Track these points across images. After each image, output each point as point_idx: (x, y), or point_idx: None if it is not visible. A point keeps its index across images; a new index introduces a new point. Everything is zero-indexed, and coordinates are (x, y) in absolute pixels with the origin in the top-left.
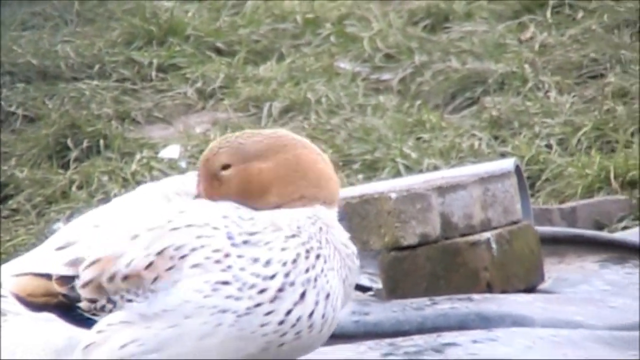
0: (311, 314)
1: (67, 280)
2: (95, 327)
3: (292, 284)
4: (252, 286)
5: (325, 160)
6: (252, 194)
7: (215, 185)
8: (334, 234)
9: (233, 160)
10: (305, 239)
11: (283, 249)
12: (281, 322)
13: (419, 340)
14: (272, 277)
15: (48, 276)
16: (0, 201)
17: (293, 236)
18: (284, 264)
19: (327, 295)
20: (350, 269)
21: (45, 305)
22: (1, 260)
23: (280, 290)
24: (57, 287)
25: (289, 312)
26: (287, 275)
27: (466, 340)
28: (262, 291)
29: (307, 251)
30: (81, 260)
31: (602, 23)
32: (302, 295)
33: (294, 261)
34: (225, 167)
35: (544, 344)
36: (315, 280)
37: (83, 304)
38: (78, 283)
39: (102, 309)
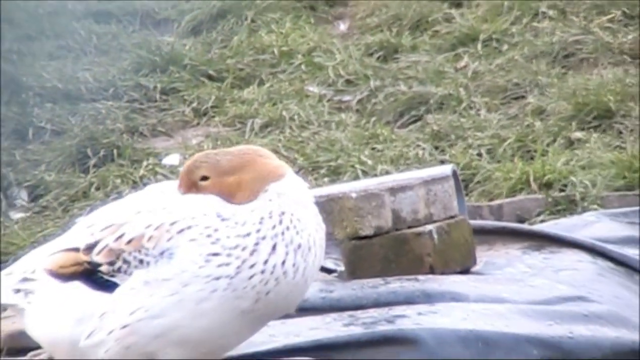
0: (283, 263)
1: (89, 250)
2: (108, 298)
3: (264, 238)
4: (236, 247)
5: (274, 157)
6: (225, 196)
7: (193, 190)
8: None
9: (210, 173)
10: (267, 211)
11: (252, 211)
12: (263, 272)
13: (374, 313)
14: (248, 234)
15: (76, 249)
16: (33, 200)
17: (261, 211)
18: (254, 223)
19: (298, 246)
20: (318, 226)
21: (74, 274)
22: (34, 247)
23: (256, 244)
24: (82, 257)
25: (266, 262)
26: (258, 231)
27: (412, 313)
28: (243, 249)
29: (270, 217)
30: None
31: (522, 54)
32: (274, 247)
33: (261, 221)
34: (204, 178)
35: (476, 316)
36: (283, 234)
37: (103, 268)
38: (96, 250)
39: (119, 270)
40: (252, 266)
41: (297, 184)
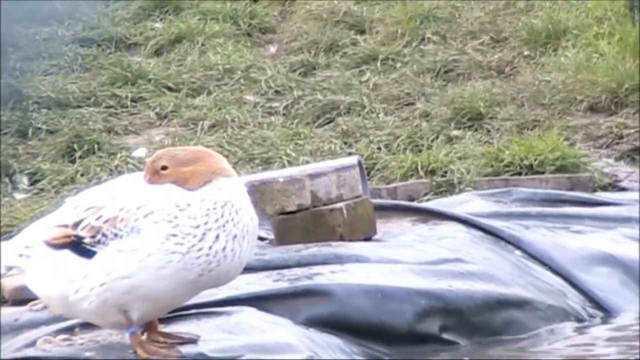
0: (224, 249)
1: (75, 226)
2: (90, 262)
3: (210, 229)
4: (189, 234)
5: (221, 158)
6: (179, 184)
7: (156, 178)
8: (236, 197)
9: (169, 164)
10: (213, 203)
11: (202, 207)
12: (207, 255)
13: (297, 271)
14: (198, 226)
15: (65, 225)
16: (32, 184)
17: (208, 202)
18: (203, 216)
19: (235, 236)
20: (251, 218)
21: (64, 244)
22: (33, 221)
23: (204, 234)
24: (70, 231)
25: (210, 248)
26: (206, 223)
27: (327, 271)
28: (194, 236)
29: (214, 207)
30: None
31: (412, 70)
32: (217, 237)
33: (208, 213)
34: (164, 167)
35: (376, 273)
36: (224, 226)
37: (86, 240)
38: (80, 226)
39: (99, 242)
40: (199, 249)
41: (238, 183)
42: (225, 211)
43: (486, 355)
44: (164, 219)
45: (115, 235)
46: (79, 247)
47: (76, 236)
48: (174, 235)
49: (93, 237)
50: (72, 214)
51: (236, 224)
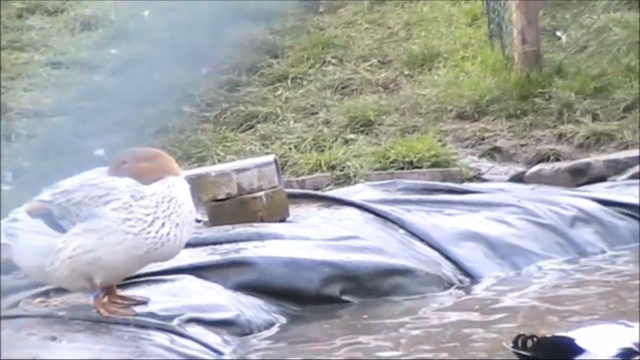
0: (167, 234)
1: (51, 203)
2: (61, 238)
3: (157, 218)
4: (140, 220)
5: (171, 159)
6: (136, 177)
7: (117, 171)
8: (180, 193)
9: (129, 161)
10: (161, 197)
11: (153, 199)
12: (154, 237)
13: (227, 246)
14: (148, 215)
15: (43, 200)
16: (15, 178)
17: (157, 195)
18: (153, 207)
19: (177, 225)
20: (190, 211)
21: (39, 213)
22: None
23: (152, 221)
24: (47, 205)
25: (157, 232)
26: (155, 213)
27: (250, 246)
28: (144, 222)
29: (162, 201)
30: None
31: (316, 86)
32: (163, 224)
33: (157, 205)
34: (124, 163)
35: (290, 248)
36: (169, 216)
37: (57, 214)
38: (54, 203)
39: (65, 218)
40: (148, 232)
41: (183, 181)
42: (171, 204)
43: (376, 310)
44: (121, 206)
45: (81, 217)
46: (50, 218)
47: (49, 210)
48: (129, 219)
49: (62, 213)
50: (49, 195)
51: (179, 215)
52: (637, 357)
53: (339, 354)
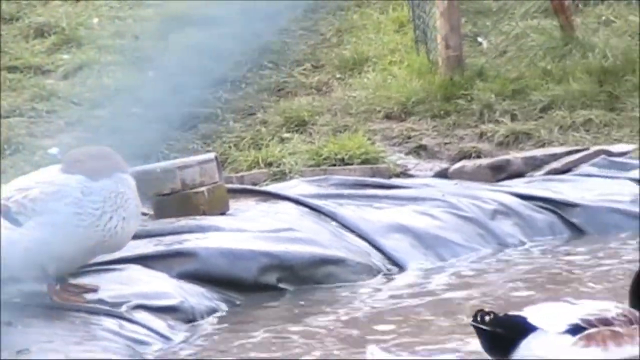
0: (115, 227)
1: (8, 199)
2: (17, 231)
3: (105, 212)
4: (90, 214)
5: (119, 157)
6: (87, 174)
7: (70, 169)
8: (127, 189)
9: (81, 159)
10: (109, 193)
11: (101, 195)
12: (102, 230)
13: (171, 238)
14: (97, 209)
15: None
16: None
17: (105, 190)
18: (101, 202)
19: (124, 218)
20: (136, 205)
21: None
22: None
23: (101, 215)
24: (4, 201)
25: (105, 225)
26: (103, 207)
27: (193, 238)
28: (94, 216)
29: (110, 196)
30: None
31: (254, 89)
32: (110, 217)
33: (105, 200)
34: (77, 162)
35: (230, 239)
36: (117, 210)
37: (14, 210)
38: (11, 200)
39: (22, 214)
40: (97, 226)
41: (129, 178)
42: (118, 199)
43: (311, 297)
44: (72, 201)
45: (36, 212)
46: (8, 214)
47: (7, 206)
48: (79, 214)
49: (18, 209)
50: (7, 192)
51: (125, 209)
52: (584, 332)
53: (275, 337)
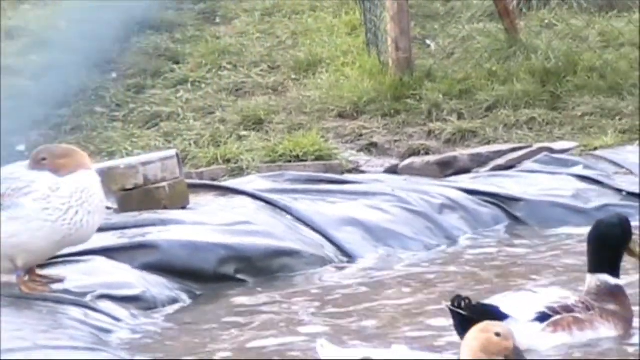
0: (81, 220)
1: None
2: None
3: (72, 207)
4: (57, 209)
5: (84, 155)
6: (54, 171)
7: (37, 166)
8: (92, 184)
9: (48, 157)
10: (75, 188)
11: (68, 190)
12: (69, 224)
13: (134, 231)
14: (64, 204)
15: None
16: None
17: (72, 186)
18: (68, 197)
19: (89, 212)
20: (101, 200)
21: None
22: None
23: (68, 210)
24: None
25: (72, 219)
26: (69, 202)
27: (155, 231)
28: (61, 210)
29: (76, 191)
30: None
31: (213, 89)
32: (77, 212)
33: (72, 195)
34: (44, 159)
35: (191, 232)
36: (82, 205)
37: None
38: None
39: None
40: (64, 220)
41: (94, 174)
42: (84, 195)
43: (266, 286)
44: (40, 197)
45: (5, 207)
46: None
47: None
48: (47, 209)
49: None
50: None
51: (90, 204)
52: (551, 319)
53: (232, 325)
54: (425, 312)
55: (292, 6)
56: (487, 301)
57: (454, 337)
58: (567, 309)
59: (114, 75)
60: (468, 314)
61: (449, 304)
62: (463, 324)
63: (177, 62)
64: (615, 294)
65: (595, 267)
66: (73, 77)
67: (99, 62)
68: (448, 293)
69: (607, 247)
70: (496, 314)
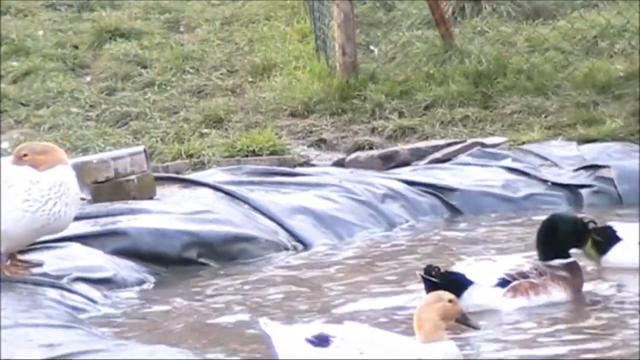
0: (59, 211)
1: None
2: None
3: (50, 199)
4: (37, 200)
5: (62, 151)
6: (34, 166)
7: (19, 161)
8: (68, 178)
9: (29, 153)
10: (53, 182)
11: (47, 184)
12: (48, 214)
13: (105, 219)
14: (43, 196)
15: None
16: None
17: (50, 180)
18: (47, 190)
19: (66, 204)
20: (76, 192)
21: None
22: None
23: (47, 201)
24: None
25: (50, 210)
26: (49, 194)
27: (125, 219)
28: (40, 202)
29: (54, 185)
30: None
31: (178, 91)
32: (55, 203)
33: (51, 189)
34: (25, 155)
35: (157, 220)
36: (60, 197)
37: None
38: None
39: None
40: (43, 210)
41: (70, 170)
42: (62, 188)
43: (225, 269)
44: (21, 189)
45: None
46: None
47: None
48: (28, 200)
49: None
50: None
51: (67, 196)
52: (510, 284)
53: (194, 303)
54: (372, 290)
55: (249, 16)
56: (453, 269)
57: (400, 315)
58: (523, 275)
59: (87, 79)
60: (439, 281)
61: (422, 272)
62: (433, 290)
63: (145, 67)
64: (568, 264)
65: (546, 256)
66: (50, 80)
67: (74, 67)
68: (392, 273)
69: (556, 240)
70: (463, 281)
